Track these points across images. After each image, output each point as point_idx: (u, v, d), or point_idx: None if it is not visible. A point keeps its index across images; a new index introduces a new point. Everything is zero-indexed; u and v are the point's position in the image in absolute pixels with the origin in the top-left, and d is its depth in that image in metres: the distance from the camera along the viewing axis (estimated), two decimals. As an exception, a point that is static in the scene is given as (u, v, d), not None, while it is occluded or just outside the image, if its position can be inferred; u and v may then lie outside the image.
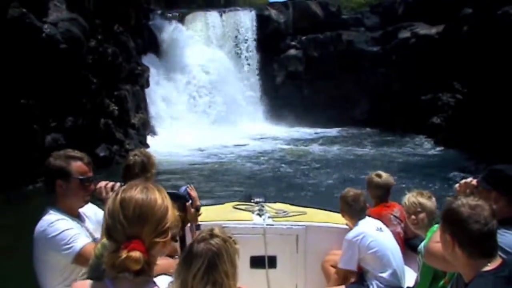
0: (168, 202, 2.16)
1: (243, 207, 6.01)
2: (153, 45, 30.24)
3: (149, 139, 24.55)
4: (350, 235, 4.97)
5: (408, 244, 5.38)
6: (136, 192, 2.09)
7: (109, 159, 18.97)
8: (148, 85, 26.58)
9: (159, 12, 32.79)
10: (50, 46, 16.74)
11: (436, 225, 3.76)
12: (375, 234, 4.90)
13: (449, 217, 2.64)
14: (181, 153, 23.46)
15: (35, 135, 16.28)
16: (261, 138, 28.16)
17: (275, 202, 6.28)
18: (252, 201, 6.13)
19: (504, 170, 3.32)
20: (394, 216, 5.48)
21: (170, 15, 32.44)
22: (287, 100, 31.73)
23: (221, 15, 32.85)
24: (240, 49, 32.59)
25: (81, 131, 17.90)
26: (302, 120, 31.14)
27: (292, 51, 33.06)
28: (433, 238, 3.26)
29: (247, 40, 32.65)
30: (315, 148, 24.79)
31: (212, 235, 2.51)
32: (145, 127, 23.49)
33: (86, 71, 18.37)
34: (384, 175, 5.64)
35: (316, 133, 30.12)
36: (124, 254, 1.98)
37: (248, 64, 32.69)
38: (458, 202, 2.61)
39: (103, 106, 19.47)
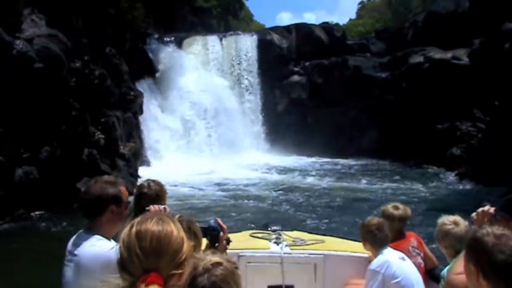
0: (182, 233, 2.04)
1: (260, 235, 5.79)
2: (149, 70, 27.58)
3: (141, 171, 21.65)
4: (374, 264, 4.64)
5: (429, 274, 5.12)
6: (152, 224, 1.98)
7: (92, 195, 16.00)
8: (141, 111, 23.79)
9: (156, 36, 30.15)
10: (22, 65, 13.98)
11: (460, 254, 3.55)
12: (399, 263, 4.60)
13: (473, 246, 2.43)
14: (175, 185, 20.55)
15: (1, 169, 13.38)
16: (262, 169, 25.20)
17: (292, 230, 6.04)
18: (269, 229, 5.90)
19: None
20: (412, 247, 5.21)
21: (168, 39, 29.81)
22: (289, 128, 29.06)
23: (221, 40, 30.30)
24: (241, 75, 29.92)
25: (59, 163, 15.03)
26: (305, 149, 28.42)
27: (295, 77, 30.42)
28: (454, 269, 3.23)
29: (248, 65, 29.98)
30: (320, 180, 21.82)
31: (214, 264, 2.04)
32: (137, 158, 20.60)
33: (67, 94, 15.56)
34: (401, 206, 5.29)
35: (320, 163, 27.23)
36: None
37: (249, 91, 30.00)
38: (483, 231, 2.40)
39: (87, 134, 16.60)
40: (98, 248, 3.12)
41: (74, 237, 3.30)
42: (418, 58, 25.54)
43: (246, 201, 17.95)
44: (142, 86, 26.40)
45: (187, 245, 2.06)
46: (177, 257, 1.99)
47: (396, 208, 5.22)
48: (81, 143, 16.10)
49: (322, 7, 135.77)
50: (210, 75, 29.03)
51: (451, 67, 23.60)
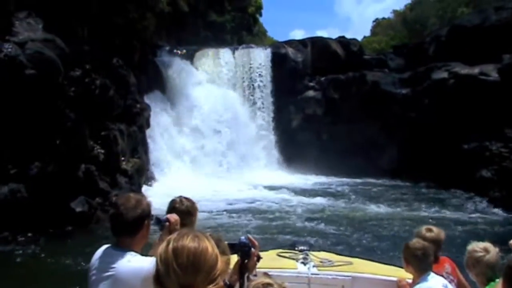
0: (217, 250, 2.05)
1: (287, 254, 5.61)
2: (159, 83, 25.90)
3: (146, 188, 19.86)
4: None
5: None
6: (188, 241, 2.00)
7: (87, 216, 14.23)
8: (148, 125, 22.05)
9: (167, 48, 28.50)
10: (11, 70, 12.23)
11: (493, 283, 3.55)
12: None
13: (510, 275, 2.45)
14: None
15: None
16: (274, 188, 23.18)
17: (319, 251, 5.92)
18: (296, 249, 5.73)
19: None
20: (447, 273, 4.98)
21: (179, 51, 28.14)
22: (304, 146, 27.06)
23: (233, 52, 28.58)
24: (254, 89, 28.17)
25: (51, 180, 13.24)
26: (320, 168, 26.50)
27: (310, 92, 28.58)
28: None
29: (261, 80, 28.24)
30: (335, 201, 19.79)
31: (265, 284, 2.25)
32: (141, 174, 18.79)
33: (62, 104, 13.78)
34: (435, 229, 5.04)
35: (335, 183, 25.24)
36: None
37: (262, 106, 28.22)
38: None
39: (85, 149, 14.81)
40: (137, 263, 3.11)
41: (99, 254, 3.25)
42: (442, 74, 23.58)
43: (253, 220, 16.31)
44: (151, 99, 24.74)
45: (221, 261, 2.05)
46: (212, 273, 1.99)
47: (430, 230, 5.03)
48: (77, 158, 14.29)
49: (335, 25, 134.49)
50: (222, 89, 27.33)
51: (478, 83, 21.60)
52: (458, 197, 19.78)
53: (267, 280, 2.25)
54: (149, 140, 23.52)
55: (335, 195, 21.55)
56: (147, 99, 24.28)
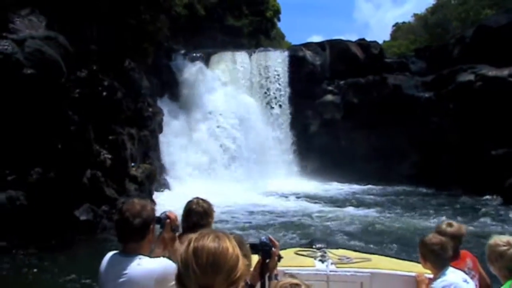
0: (238, 250, 1.99)
1: (305, 253, 5.54)
2: (173, 87, 25.06)
3: (158, 196, 18.95)
4: (438, 284, 4.24)
5: None
6: (209, 241, 1.95)
7: (93, 225, 13.29)
8: (161, 130, 21.19)
9: (182, 52, 27.66)
10: (8, 70, 11.36)
11: None
12: (464, 286, 4.20)
13: None
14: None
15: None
16: (291, 196, 22.12)
17: (337, 248, 5.80)
18: (314, 247, 5.68)
19: None
20: (468, 268, 4.81)
21: (194, 55, 27.28)
22: (322, 151, 26.04)
23: (250, 56, 27.62)
24: (270, 93, 27.14)
25: (52, 186, 12.30)
26: (338, 175, 25.45)
27: (329, 97, 27.52)
28: None
29: (278, 83, 27.24)
30: (354, 211, 18.57)
31: (293, 285, 2.34)
32: (152, 181, 17.83)
33: (65, 106, 12.87)
34: (455, 224, 4.90)
35: (354, 190, 24.10)
36: None
37: (279, 111, 27.19)
38: None
39: (90, 154, 13.89)
40: (148, 265, 3.09)
41: (107, 262, 3.20)
42: (467, 76, 22.35)
43: (271, 231, 14.88)
44: (164, 103, 23.95)
45: (242, 262, 2.00)
46: (233, 274, 1.94)
47: (450, 225, 4.91)
48: (81, 164, 13.37)
49: (353, 31, 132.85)
50: (238, 93, 26.40)
51: (508, 85, 20.35)
52: (484, 205, 18.46)
53: (295, 281, 2.26)
54: (162, 146, 22.68)
55: (352, 203, 20.37)
56: (160, 104, 23.48)
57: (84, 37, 15.17)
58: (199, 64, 26.48)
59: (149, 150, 19.08)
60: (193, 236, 2.01)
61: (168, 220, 3.46)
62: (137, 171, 17.05)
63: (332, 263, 5.20)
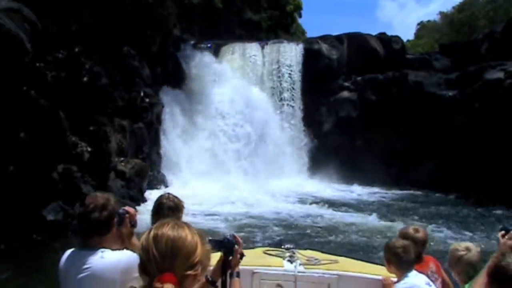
0: (197, 238, 2.07)
1: (273, 252, 5.47)
2: (179, 78, 23.27)
3: (153, 193, 17.22)
4: (401, 286, 4.30)
5: None
6: (168, 229, 2.03)
7: (61, 226, 11.52)
8: (159, 123, 19.41)
9: (192, 42, 25.88)
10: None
11: (474, 279, 3.56)
12: None
13: (496, 274, 2.45)
14: (194, 214, 15.99)
15: None
16: (301, 199, 20.17)
17: (306, 249, 5.77)
18: (283, 247, 5.56)
19: None
20: (432, 272, 4.93)
21: (204, 45, 25.49)
22: (335, 151, 23.99)
23: (262, 48, 25.72)
24: (283, 88, 25.19)
25: (13, 182, 10.56)
26: (352, 176, 23.34)
27: (345, 93, 25.46)
28: None
29: (291, 78, 25.25)
30: (371, 218, 16.51)
31: None
32: (142, 177, 16.05)
33: (33, 91, 11.13)
34: (421, 229, 5.01)
35: (370, 193, 22.08)
36: (157, 286, 1.92)
37: (291, 107, 25.17)
38: (508, 260, 2.42)
39: (64, 146, 12.13)
40: (112, 257, 3.02)
41: (67, 258, 3.10)
42: (496, 74, 20.11)
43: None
44: (169, 94, 22.17)
45: (201, 248, 2.07)
46: (191, 258, 2.02)
47: (417, 231, 4.97)
48: (52, 157, 11.65)
49: (376, 29, 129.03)
50: (247, 87, 24.46)
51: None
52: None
53: None
54: (163, 140, 20.94)
55: (366, 209, 18.36)
56: (163, 95, 21.73)
57: (66, 16, 13.47)
58: (207, 55, 24.69)
59: (144, 143, 17.34)
60: (154, 225, 2.07)
61: (127, 215, 3.38)
62: (125, 166, 15.32)
63: (300, 264, 5.16)
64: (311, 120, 25.13)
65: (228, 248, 3.20)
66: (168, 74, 22.70)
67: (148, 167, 16.52)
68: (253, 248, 6.10)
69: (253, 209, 17.11)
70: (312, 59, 25.31)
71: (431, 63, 25.97)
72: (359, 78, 25.44)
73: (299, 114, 25.21)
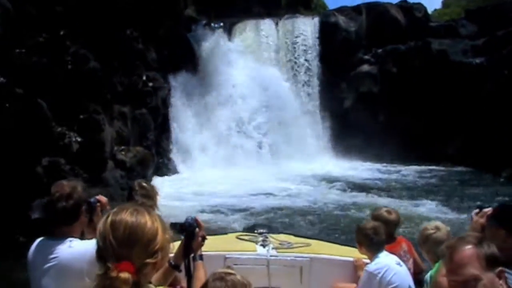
0: (158, 224, 1.97)
1: (246, 237, 5.46)
2: (189, 60, 21.98)
3: (162, 181, 16.22)
4: (372, 267, 4.41)
5: (415, 279, 4.68)
6: (126, 215, 1.94)
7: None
8: (166, 107, 18.28)
9: (204, 22, 24.56)
10: None
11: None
12: (396, 268, 4.38)
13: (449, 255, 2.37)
14: (205, 204, 14.90)
15: None
16: (323, 180, 18.81)
17: (279, 233, 5.72)
18: (256, 231, 5.56)
19: None
20: (404, 251, 5.08)
21: (216, 25, 24.15)
22: (358, 128, 22.43)
23: (276, 24, 24.26)
24: (299, 64, 23.70)
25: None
26: (375, 154, 21.95)
27: (365, 67, 23.86)
28: (442, 272, 3.00)
29: (307, 53, 23.73)
30: (395, 200, 14.98)
31: (227, 273, 2.34)
32: (145, 166, 14.97)
33: (9, 76, 10.07)
34: (393, 210, 5.18)
35: (395, 171, 20.61)
36: (113, 275, 1.83)
37: (309, 84, 23.69)
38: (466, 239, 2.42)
39: (49, 137, 11.08)
40: (80, 246, 2.95)
41: (35, 248, 3.03)
42: (526, 37, 18.31)
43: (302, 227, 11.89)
44: (179, 78, 21.00)
45: (162, 236, 1.97)
46: (151, 246, 1.92)
47: (390, 212, 5.09)
48: (34, 150, 10.61)
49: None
50: (262, 66, 23.06)
51: None
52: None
53: (230, 270, 2.25)
54: (173, 125, 19.83)
55: (392, 188, 16.99)
56: (173, 79, 20.59)
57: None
58: (219, 35, 23.36)
59: (148, 130, 16.20)
60: (112, 210, 1.99)
61: (98, 204, 3.27)
62: (126, 155, 14.25)
63: (273, 248, 5.15)
64: (330, 97, 23.61)
65: (189, 231, 3.12)
66: (178, 56, 21.48)
67: (151, 155, 15.41)
68: (225, 233, 6.07)
69: (275, 199, 15.70)
70: (329, 33, 23.74)
71: (457, 30, 24.12)
72: (379, 50, 23.80)
73: (317, 91, 23.73)
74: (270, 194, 16.07)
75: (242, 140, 21.29)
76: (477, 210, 3.28)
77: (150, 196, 3.88)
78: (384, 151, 21.75)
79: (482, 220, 3.13)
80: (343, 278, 4.99)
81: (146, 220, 1.93)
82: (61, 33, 12.14)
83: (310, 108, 23.62)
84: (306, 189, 17.08)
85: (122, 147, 14.33)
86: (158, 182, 15.73)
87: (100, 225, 1.95)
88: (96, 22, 14.20)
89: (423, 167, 20.74)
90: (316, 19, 24.34)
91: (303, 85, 23.68)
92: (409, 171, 20.40)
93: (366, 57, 23.96)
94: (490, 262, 2.29)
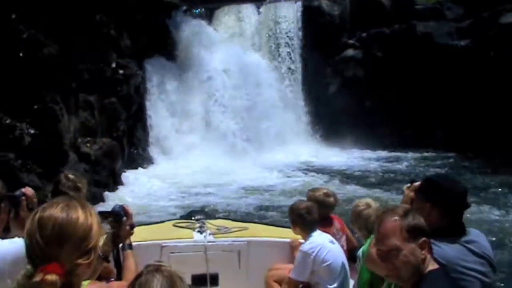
0: (93, 220, 1.84)
1: (183, 224, 5.42)
2: (167, 47, 20.93)
3: (136, 174, 15.35)
4: (306, 246, 4.56)
5: (349, 255, 4.90)
6: (57, 210, 1.79)
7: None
8: (139, 96, 17.27)
9: (184, 8, 23.46)
10: None
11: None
12: (330, 246, 4.54)
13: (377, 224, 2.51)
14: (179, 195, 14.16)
15: None
16: (307, 169, 17.95)
17: (216, 219, 5.79)
18: (193, 218, 5.51)
19: (440, 182, 3.07)
20: (337, 229, 5.17)
21: (198, 11, 23.08)
22: (343, 115, 21.37)
23: (258, 8, 23.15)
24: (281, 50, 22.65)
25: None
26: (363, 141, 20.97)
27: (350, 51, 22.78)
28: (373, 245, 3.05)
29: (290, 39, 22.68)
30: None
31: (162, 265, 2.03)
32: (113, 158, 13.95)
33: None
34: (331, 192, 5.22)
35: (383, 159, 19.73)
36: (38, 278, 1.69)
37: (291, 70, 22.67)
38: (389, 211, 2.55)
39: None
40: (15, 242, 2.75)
41: None
42: (512, 17, 17.30)
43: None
44: (156, 65, 19.97)
45: (97, 232, 1.85)
46: (84, 244, 1.78)
47: (328, 195, 5.08)
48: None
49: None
50: (243, 52, 21.99)
51: None
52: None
53: (160, 264, 2.03)
54: (149, 114, 18.83)
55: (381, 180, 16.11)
56: (150, 66, 19.54)
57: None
58: (199, 21, 22.28)
59: (118, 120, 15.18)
60: (43, 205, 1.84)
61: (23, 197, 3.03)
62: (91, 147, 13.25)
63: (210, 234, 5.07)
64: (314, 83, 22.58)
65: (117, 220, 3.00)
66: (155, 43, 20.40)
67: (119, 146, 14.38)
68: (163, 221, 5.84)
69: (260, 195, 14.79)
70: (312, 17, 22.60)
71: (442, 12, 22.97)
72: (364, 34, 22.68)
73: (300, 77, 22.70)
74: (254, 189, 15.20)
75: (222, 128, 20.29)
76: (408, 184, 3.25)
77: (78, 188, 3.72)
78: (371, 139, 20.85)
79: (412, 194, 3.14)
80: (280, 259, 5.00)
81: (78, 215, 1.79)
82: (13, 16, 11.07)
83: (294, 95, 22.62)
84: (291, 181, 16.22)
85: (87, 139, 13.33)
86: (129, 175, 14.88)
87: (27, 223, 1.81)
88: (62, 8, 13.16)
89: (412, 154, 19.89)
90: (299, 3, 23.16)
91: (286, 71, 22.64)
92: (400, 158, 19.56)
93: (351, 41, 22.89)
94: (415, 233, 2.41)
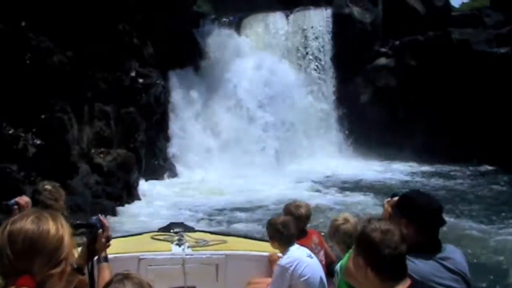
0: (64, 231, 1.78)
1: (161, 237, 5.24)
2: (194, 57, 20.26)
3: (156, 186, 14.64)
4: (284, 261, 4.45)
5: (327, 269, 4.83)
6: (27, 223, 1.73)
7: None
8: (160, 105, 16.58)
9: (212, 17, 22.89)
10: None
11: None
12: (308, 261, 4.45)
13: (362, 241, 2.42)
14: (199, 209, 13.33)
15: None
16: (339, 183, 16.87)
17: (195, 231, 5.55)
18: (172, 231, 5.35)
19: (415, 199, 3.01)
20: (315, 244, 5.04)
21: (224, 20, 22.41)
22: (375, 125, 20.33)
23: (287, 17, 22.29)
24: (311, 59, 21.70)
25: None
26: (395, 153, 19.77)
27: (382, 60, 21.67)
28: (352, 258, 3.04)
29: (320, 47, 21.74)
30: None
31: (131, 273, 1.96)
32: (129, 170, 13.22)
33: None
34: (303, 204, 5.10)
35: (416, 172, 18.50)
36: None
37: (322, 79, 21.67)
38: (371, 226, 2.38)
39: (1, 140, 9.47)
40: None
41: None
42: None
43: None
44: (180, 75, 19.26)
45: (68, 243, 1.79)
46: (54, 257, 1.73)
47: (300, 207, 5.02)
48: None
49: None
50: (272, 62, 21.09)
51: None
52: None
53: (129, 273, 1.95)
54: (172, 125, 18.13)
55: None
56: (175, 76, 18.88)
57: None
58: (227, 30, 21.58)
59: (136, 130, 14.51)
60: (12, 218, 1.77)
61: (16, 207, 3.17)
62: (104, 158, 12.58)
63: (188, 247, 4.95)
64: (345, 93, 21.53)
65: (92, 232, 2.89)
66: (181, 52, 19.78)
67: (135, 158, 13.66)
68: (141, 234, 5.70)
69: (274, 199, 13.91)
70: (343, 25, 21.61)
71: (481, 19, 21.67)
72: (397, 43, 21.58)
73: (331, 87, 21.68)
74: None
75: (250, 140, 19.39)
76: (389, 199, 3.21)
77: (56, 198, 3.69)
78: (403, 151, 19.67)
79: (390, 209, 3.11)
80: (258, 273, 4.92)
81: (49, 227, 1.72)
82: (23, 24, 10.52)
83: (324, 105, 21.60)
84: (310, 192, 15.20)
85: (101, 150, 12.68)
86: (147, 188, 14.19)
87: None
88: (79, 16, 12.62)
89: (449, 167, 18.62)
90: (329, 11, 22.22)
91: (316, 80, 21.69)
92: (436, 171, 18.30)
93: (383, 49, 21.79)
94: None
